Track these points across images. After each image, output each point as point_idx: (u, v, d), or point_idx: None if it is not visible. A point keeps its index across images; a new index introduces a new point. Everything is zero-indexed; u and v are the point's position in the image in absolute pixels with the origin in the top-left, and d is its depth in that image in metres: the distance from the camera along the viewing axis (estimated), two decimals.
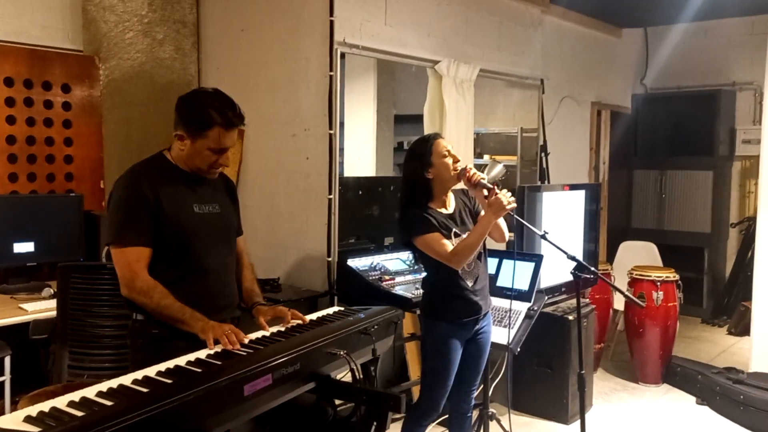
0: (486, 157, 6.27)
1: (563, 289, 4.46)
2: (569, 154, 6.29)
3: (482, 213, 2.81)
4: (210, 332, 2.09)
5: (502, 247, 4.67)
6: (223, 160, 2.26)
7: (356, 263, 3.83)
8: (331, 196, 3.87)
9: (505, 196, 2.71)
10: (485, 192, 2.78)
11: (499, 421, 3.50)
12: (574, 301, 4.52)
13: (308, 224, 3.99)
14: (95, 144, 4.31)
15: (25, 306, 3.36)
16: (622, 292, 2.84)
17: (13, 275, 3.79)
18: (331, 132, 3.85)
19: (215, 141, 2.20)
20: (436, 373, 2.91)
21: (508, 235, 2.94)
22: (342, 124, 6.44)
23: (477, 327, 2.95)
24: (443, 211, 2.91)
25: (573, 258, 2.79)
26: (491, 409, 3.53)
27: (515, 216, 2.81)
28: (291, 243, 4.11)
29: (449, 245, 2.77)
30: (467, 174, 2.82)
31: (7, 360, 3.06)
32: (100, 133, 4.33)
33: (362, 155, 6.25)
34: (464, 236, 2.81)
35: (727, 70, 6.83)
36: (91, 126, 4.30)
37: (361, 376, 2.24)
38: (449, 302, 2.88)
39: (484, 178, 2.82)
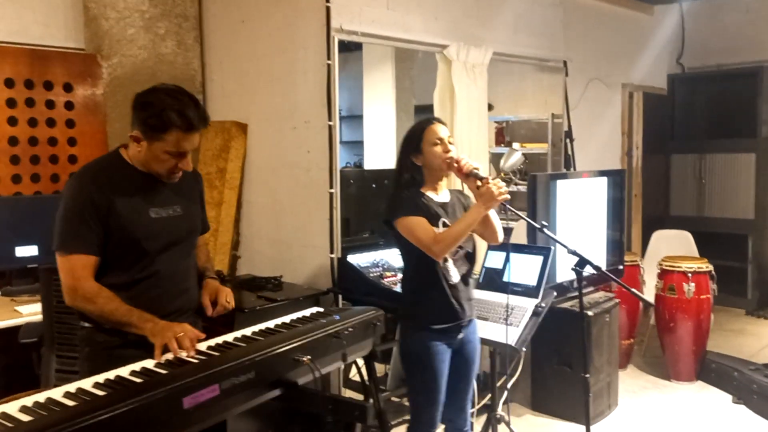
0: (515, 145, 6.05)
1: (584, 283, 4.22)
2: (598, 139, 5.99)
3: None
4: (159, 336, 1.96)
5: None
6: (183, 165, 2.11)
7: (357, 260, 3.68)
8: (333, 191, 3.73)
9: (498, 186, 2.52)
10: (478, 182, 2.60)
11: (508, 424, 3.30)
12: (595, 295, 4.30)
13: (310, 219, 3.86)
14: (100, 143, 4.26)
15: (20, 309, 3.33)
16: (628, 289, 2.61)
17: (18, 276, 3.77)
18: (331, 123, 3.70)
19: (173, 144, 2.05)
20: (426, 390, 2.68)
21: (502, 236, 2.73)
22: (360, 116, 6.34)
23: (461, 336, 2.73)
24: (435, 197, 2.71)
25: (574, 252, 2.58)
26: (500, 412, 3.33)
27: (508, 207, 2.60)
28: (294, 239, 3.98)
29: (432, 231, 2.57)
30: (458, 163, 2.63)
31: None
32: (104, 132, 4.28)
33: (382, 147, 6.10)
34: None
35: None
36: (95, 125, 4.25)
37: (320, 381, 2.08)
38: (430, 304, 2.65)
39: (477, 168, 2.63)
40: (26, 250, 3.73)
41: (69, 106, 4.15)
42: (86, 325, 2.13)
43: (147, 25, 4.33)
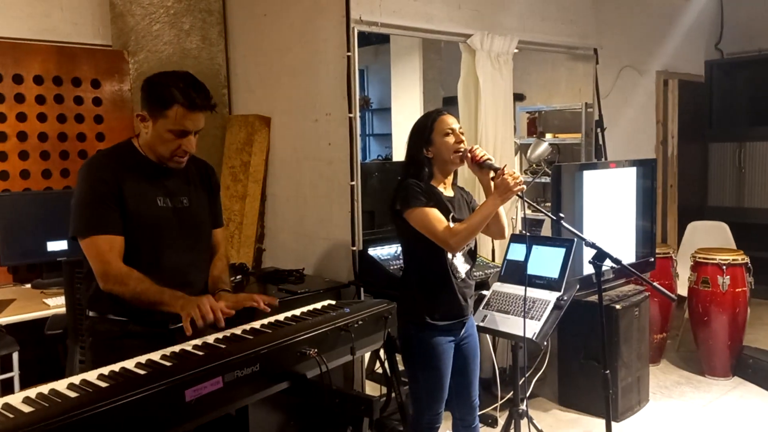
0: (548, 136, 5.94)
1: (612, 276, 4.13)
2: (632, 128, 5.84)
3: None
4: (189, 309, 1.97)
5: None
6: (187, 145, 2.11)
7: (378, 252, 3.65)
8: (354, 183, 3.71)
9: (513, 177, 2.46)
10: (492, 174, 2.55)
11: (530, 420, 3.25)
12: (624, 288, 4.20)
13: (332, 212, 3.85)
14: (127, 138, 4.31)
15: (48, 301, 3.40)
16: (649, 283, 2.53)
17: (48, 270, 3.86)
18: (351, 116, 3.67)
19: (175, 121, 2.05)
20: (430, 385, 2.63)
21: (508, 231, 2.67)
22: (388, 109, 6.30)
23: (463, 332, 2.69)
24: (443, 191, 2.67)
25: (592, 245, 2.51)
26: (521, 407, 3.28)
27: (524, 199, 2.55)
28: (317, 232, 3.98)
29: (448, 224, 2.52)
30: (472, 154, 2.58)
31: (15, 356, 3.09)
32: (131, 128, 4.33)
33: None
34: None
35: None
36: (123, 120, 4.32)
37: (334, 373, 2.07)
38: (437, 299, 2.59)
39: (491, 159, 2.58)
40: (57, 245, 3.82)
41: (97, 102, 4.22)
42: (90, 314, 2.16)
43: (172, 21, 4.37)
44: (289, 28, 4.05)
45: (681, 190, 6.38)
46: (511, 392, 3.57)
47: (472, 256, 2.69)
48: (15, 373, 3.11)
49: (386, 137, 7.36)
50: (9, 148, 3.89)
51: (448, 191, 2.70)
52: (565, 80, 5.94)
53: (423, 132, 2.64)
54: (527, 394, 3.49)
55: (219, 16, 4.54)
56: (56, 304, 3.33)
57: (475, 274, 2.78)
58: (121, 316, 2.13)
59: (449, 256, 2.57)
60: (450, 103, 5.99)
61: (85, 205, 2.09)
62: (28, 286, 3.81)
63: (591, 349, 3.92)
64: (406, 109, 6.03)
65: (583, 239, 2.53)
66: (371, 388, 3.89)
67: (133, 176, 2.12)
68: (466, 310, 2.66)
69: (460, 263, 2.62)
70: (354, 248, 3.72)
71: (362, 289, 3.70)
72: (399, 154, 6.18)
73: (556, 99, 6.00)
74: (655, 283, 2.54)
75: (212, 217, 2.36)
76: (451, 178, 2.72)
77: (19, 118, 3.92)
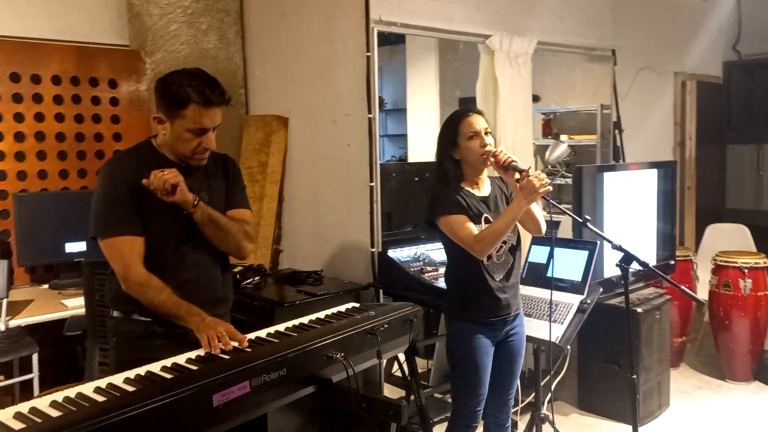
0: (563, 137, 5.90)
1: (632, 278, 4.08)
2: (649, 130, 5.77)
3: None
4: (204, 332, 1.97)
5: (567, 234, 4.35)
6: (207, 143, 2.11)
7: (398, 254, 3.62)
8: (373, 184, 3.68)
9: (539, 179, 2.43)
10: (517, 175, 2.51)
11: (552, 424, 3.21)
12: (645, 291, 4.16)
13: (351, 213, 3.82)
14: (144, 138, 4.28)
15: (66, 302, 3.39)
16: (676, 285, 2.48)
17: (65, 270, 3.85)
18: (371, 116, 3.65)
19: (193, 120, 2.05)
20: (468, 382, 2.65)
21: (545, 227, 2.64)
22: (404, 109, 6.28)
23: (507, 329, 2.68)
24: (476, 192, 2.66)
25: (619, 248, 2.47)
26: (544, 411, 3.24)
27: (550, 200, 2.51)
28: (335, 233, 3.95)
29: (474, 230, 2.52)
30: (496, 156, 2.55)
31: (35, 357, 3.08)
32: (148, 127, 4.32)
33: (426, 140, 6.03)
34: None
35: None
36: (140, 120, 4.31)
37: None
38: (474, 299, 2.61)
39: (516, 161, 2.54)
40: (75, 246, 3.81)
41: (114, 102, 4.22)
42: (115, 314, 2.15)
43: (189, 21, 4.35)
44: (308, 29, 4.03)
45: (699, 193, 6.30)
46: (532, 396, 3.53)
47: (513, 252, 2.67)
48: (35, 375, 3.10)
49: (400, 138, 7.33)
50: (27, 148, 3.88)
51: (482, 190, 2.68)
52: (580, 81, 5.89)
53: (448, 134, 2.63)
54: (548, 398, 3.44)
55: (236, 16, 4.52)
56: (74, 305, 3.33)
57: (518, 269, 2.74)
58: (146, 316, 2.12)
59: (485, 258, 2.55)
60: (466, 103, 5.95)
61: (105, 206, 2.09)
62: (46, 286, 3.81)
63: (612, 353, 3.88)
64: (422, 109, 6.01)
65: (610, 242, 2.49)
66: (390, 392, 3.86)
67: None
68: (508, 309, 2.64)
69: (498, 263, 2.62)
70: (373, 250, 3.69)
71: (381, 291, 3.67)
72: (414, 155, 6.16)
73: (571, 100, 5.95)
74: (682, 287, 2.49)
75: (229, 199, 2.29)
76: (484, 175, 2.69)
77: (36, 118, 3.92)
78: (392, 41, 6.84)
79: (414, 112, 6.14)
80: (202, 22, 4.39)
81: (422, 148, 6.03)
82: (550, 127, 6.21)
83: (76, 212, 3.80)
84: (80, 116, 4.08)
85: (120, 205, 2.07)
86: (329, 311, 2.35)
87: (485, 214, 2.61)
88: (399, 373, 3.85)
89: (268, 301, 3.33)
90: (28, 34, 3.89)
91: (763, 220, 6.13)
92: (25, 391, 3.11)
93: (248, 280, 3.63)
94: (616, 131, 5.27)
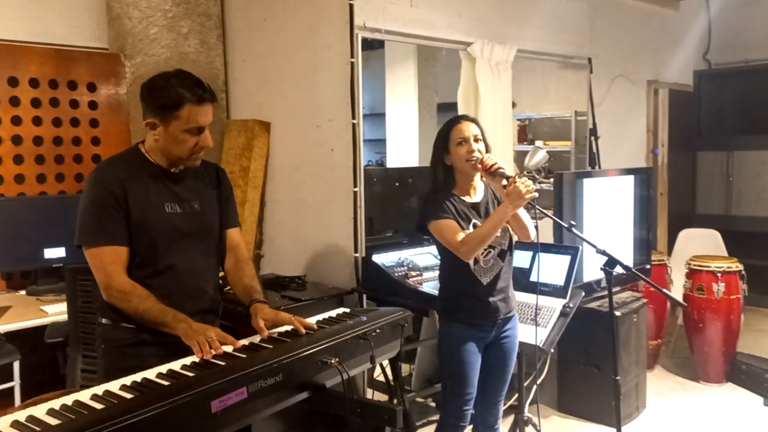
0: (538, 143, 5.98)
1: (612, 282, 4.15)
2: (624, 137, 5.90)
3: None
4: (193, 338, 1.95)
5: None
6: (204, 141, 2.10)
7: (382, 259, 3.64)
8: (357, 189, 3.70)
9: (525, 185, 2.47)
10: (504, 181, 2.55)
11: (535, 426, 3.25)
12: (624, 294, 4.23)
13: (334, 219, 3.83)
14: (123, 142, 4.26)
15: (46, 308, 3.34)
16: (659, 289, 2.55)
17: (42, 276, 3.79)
18: (354, 122, 3.66)
19: (189, 120, 2.04)
20: (456, 380, 2.69)
21: (534, 233, 2.68)
22: (382, 114, 6.30)
23: (498, 332, 2.72)
24: (467, 199, 2.71)
25: (603, 252, 2.52)
26: (527, 414, 3.28)
27: (536, 206, 2.56)
28: (318, 238, 3.96)
29: (461, 234, 2.56)
30: (483, 163, 2.59)
31: (16, 365, 3.03)
32: (127, 131, 4.29)
33: (405, 145, 6.06)
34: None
35: None
36: (119, 124, 4.26)
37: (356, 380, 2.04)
38: (462, 301, 2.67)
39: (502, 167, 2.59)
40: (55, 252, 3.75)
41: (93, 105, 4.16)
42: (104, 321, 2.13)
43: (170, 24, 4.32)
44: (291, 34, 4.03)
45: (670, 198, 6.45)
46: (513, 398, 3.58)
47: (503, 256, 2.70)
48: (16, 383, 3.04)
49: (377, 143, 7.35)
50: (3, 151, 3.81)
51: (474, 196, 2.72)
52: (554, 88, 5.98)
53: (441, 141, 2.68)
54: (529, 401, 3.48)
55: (218, 20, 4.50)
56: (54, 312, 3.28)
57: (509, 273, 2.78)
58: (134, 323, 2.09)
59: (471, 262, 2.59)
60: (445, 109, 6.01)
61: (90, 214, 2.06)
62: (23, 292, 3.74)
63: (591, 356, 3.94)
64: (401, 115, 6.03)
65: (595, 246, 2.54)
66: (373, 397, 3.86)
67: (141, 183, 2.09)
68: (497, 313, 2.68)
69: (485, 267, 2.66)
70: (357, 255, 3.71)
71: (365, 296, 3.68)
72: (393, 160, 6.18)
73: (545, 107, 6.04)
74: (665, 290, 2.55)
75: (224, 218, 2.31)
76: (477, 182, 2.73)
77: (14, 121, 3.85)
78: (370, 47, 6.87)
79: (393, 118, 6.16)
80: (182, 25, 4.36)
81: (401, 153, 6.06)
82: (526, 132, 6.29)
83: (54, 217, 3.75)
84: (58, 120, 4.03)
85: (104, 213, 2.04)
86: (320, 316, 2.35)
87: (474, 220, 2.65)
88: (381, 378, 3.86)
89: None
90: (5, 36, 3.82)
91: (732, 224, 6.29)
92: (6, 399, 3.05)
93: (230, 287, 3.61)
94: (592, 138, 5.36)
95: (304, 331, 2.10)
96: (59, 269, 3.81)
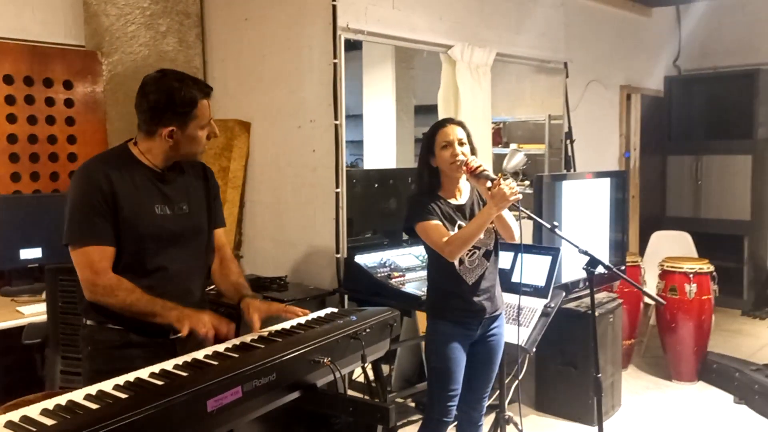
0: (513, 146, 6.04)
1: (588, 283, 4.22)
2: (597, 140, 6.01)
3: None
4: (186, 321, 1.95)
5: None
6: (212, 131, 2.13)
7: (364, 260, 3.65)
8: (339, 190, 3.71)
9: (509, 187, 2.51)
10: (488, 183, 2.59)
11: (516, 425, 3.29)
12: (600, 295, 4.30)
13: (316, 219, 3.84)
14: (100, 141, 4.21)
15: (22, 309, 3.28)
16: (640, 289, 2.61)
17: (17, 277, 3.71)
18: (337, 123, 3.68)
19: (203, 115, 2.07)
20: (440, 376, 2.73)
21: (518, 234, 2.72)
22: (359, 116, 6.32)
23: (484, 330, 2.76)
24: (452, 201, 2.75)
25: (585, 252, 2.57)
26: (508, 412, 3.32)
27: (520, 207, 2.60)
28: (299, 239, 3.95)
29: (445, 235, 2.60)
30: (467, 165, 2.63)
31: None
32: (104, 130, 4.23)
33: (382, 147, 6.08)
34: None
35: (767, 48, 6.45)
36: (95, 123, 4.21)
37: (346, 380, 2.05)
38: (448, 300, 2.71)
39: (486, 170, 2.62)
40: (31, 252, 3.67)
41: (69, 103, 4.10)
42: (89, 323, 2.10)
43: (148, 23, 4.27)
44: (272, 34, 4.03)
45: (641, 201, 6.58)
46: (494, 397, 3.61)
47: (488, 257, 2.73)
48: None
49: (354, 144, 7.36)
50: None
51: (459, 198, 2.75)
52: (529, 92, 6.07)
53: (427, 143, 2.71)
54: (508, 400, 3.52)
55: (197, 19, 4.47)
56: (31, 312, 3.22)
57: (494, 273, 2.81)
58: (120, 324, 2.07)
59: (456, 262, 2.62)
60: (423, 112, 6.06)
61: (77, 213, 2.03)
62: None
63: (568, 355, 4.00)
64: (379, 116, 6.05)
65: (577, 247, 2.59)
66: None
67: (130, 184, 2.06)
68: (483, 312, 2.72)
69: (470, 267, 2.68)
70: (338, 256, 3.71)
71: (347, 297, 3.69)
72: (370, 161, 6.20)
73: (519, 110, 6.12)
74: (645, 289, 2.61)
75: (213, 218, 2.30)
76: (462, 184, 2.76)
77: None
78: (347, 48, 6.89)
79: (370, 119, 6.18)
80: (161, 24, 4.32)
81: (378, 154, 6.08)
82: (500, 135, 6.36)
83: (29, 217, 3.68)
84: (33, 117, 3.96)
85: (91, 213, 2.01)
86: (309, 317, 2.35)
87: (459, 222, 2.68)
88: (361, 379, 3.87)
89: (233, 308, 3.29)
90: None
91: (701, 227, 6.42)
92: None
93: (212, 286, 3.57)
94: (568, 141, 5.44)
95: (300, 313, 2.17)
96: (34, 270, 3.74)
